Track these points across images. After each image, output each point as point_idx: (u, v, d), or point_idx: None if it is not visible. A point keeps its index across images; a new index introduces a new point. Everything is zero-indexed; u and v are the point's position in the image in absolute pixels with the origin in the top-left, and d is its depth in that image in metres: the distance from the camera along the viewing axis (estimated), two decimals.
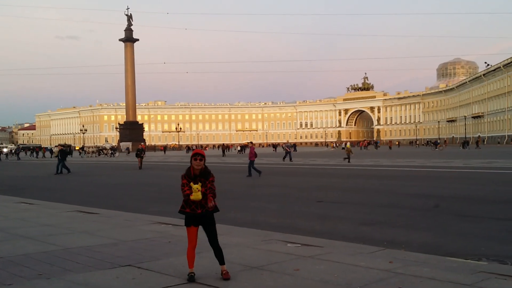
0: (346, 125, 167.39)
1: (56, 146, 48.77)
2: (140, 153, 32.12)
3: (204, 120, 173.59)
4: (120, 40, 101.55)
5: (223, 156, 57.52)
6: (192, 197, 4.66)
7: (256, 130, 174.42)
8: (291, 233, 7.42)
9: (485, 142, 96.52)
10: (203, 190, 4.69)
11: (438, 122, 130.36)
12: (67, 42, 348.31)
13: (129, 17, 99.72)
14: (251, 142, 26.14)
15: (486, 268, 5.11)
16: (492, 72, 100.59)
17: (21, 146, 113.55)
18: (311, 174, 24.30)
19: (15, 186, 19.72)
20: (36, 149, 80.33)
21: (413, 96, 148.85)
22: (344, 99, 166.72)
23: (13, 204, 12.14)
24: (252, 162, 21.69)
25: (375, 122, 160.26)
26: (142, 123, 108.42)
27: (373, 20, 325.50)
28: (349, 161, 32.65)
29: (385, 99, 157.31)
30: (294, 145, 60.16)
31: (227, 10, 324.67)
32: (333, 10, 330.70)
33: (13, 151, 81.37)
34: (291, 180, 20.18)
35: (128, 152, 77.20)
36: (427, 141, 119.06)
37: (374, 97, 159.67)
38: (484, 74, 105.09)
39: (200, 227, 4.87)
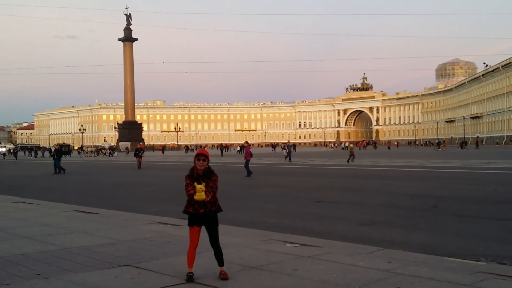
0: (345, 125, 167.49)
1: (54, 146, 48.76)
2: (138, 153, 32.12)
3: (203, 120, 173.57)
4: (119, 39, 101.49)
5: (221, 156, 57.54)
6: (195, 197, 4.67)
7: (255, 130, 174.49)
8: (290, 233, 7.42)
9: (483, 143, 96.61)
10: (206, 190, 4.70)
11: (437, 122, 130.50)
12: (66, 41, 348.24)
13: (128, 17, 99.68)
14: (247, 142, 26.23)
15: (484, 268, 5.11)
16: (491, 72, 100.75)
17: (19, 145, 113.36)
18: (310, 174, 24.30)
19: (13, 186, 19.69)
20: (35, 149, 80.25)
21: (412, 96, 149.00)
22: (343, 99, 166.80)
23: (12, 204, 12.13)
24: (248, 161, 21.79)
25: (374, 123, 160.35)
26: (141, 123, 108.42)
27: (372, 21, 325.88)
28: (353, 161, 33.04)
29: (384, 100, 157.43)
30: (293, 145, 60.04)
31: (226, 10, 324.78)
32: (332, 11, 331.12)
33: (11, 150, 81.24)
34: (290, 180, 20.18)
35: (128, 152, 77.16)
36: (426, 142, 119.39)
37: (373, 97, 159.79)
38: (483, 75, 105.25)
39: (203, 228, 4.87)
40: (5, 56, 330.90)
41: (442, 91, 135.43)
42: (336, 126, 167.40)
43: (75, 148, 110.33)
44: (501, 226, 8.38)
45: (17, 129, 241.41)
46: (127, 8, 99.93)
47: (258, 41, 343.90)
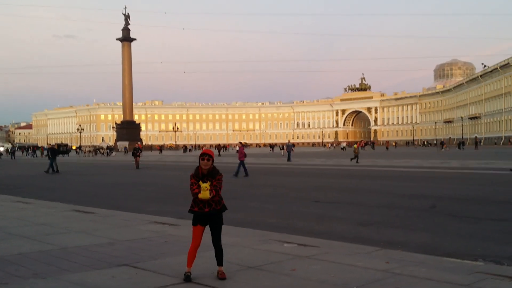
0: (343, 125, 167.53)
1: (48, 145, 48.63)
2: (136, 153, 32.11)
3: (201, 120, 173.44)
4: (118, 39, 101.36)
5: (218, 155, 57.54)
6: (200, 196, 4.68)
7: (253, 130, 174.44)
8: (289, 233, 7.42)
9: (481, 143, 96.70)
10: (210, 189, 4.71)
11: (435, 123, 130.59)
12: (65, 41, 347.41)
13: (127, 17, 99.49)
14: (241, 142, 26.41)
15: (482, 269, 5.12)
16: (489, 73, 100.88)
17: (17, 145, 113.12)
18: (308, 174, 24.31)
19: (11, 185, 19.65)
20: (34, 148, 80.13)
21: (410, 97, 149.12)
22: (342, 100, 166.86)
23: (10, 203, 12.11)
24: (242, 162, 21.90)
25: (372, 123, 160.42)
26: (139, 123, 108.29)
27: (370, 21, 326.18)
28: (357, 161, 31.89)
29: (382, 100, 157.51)
30: (292, 145, 59.96)
31: (225, 10, 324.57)
32: (331, 11, 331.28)
33: (9, 150, 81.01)
34: (289, 180, 20.19)
35: (126, 152, 77.10)
36: (424, 142, 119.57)
37: (371, 97, 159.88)
38: (481, 75, 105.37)
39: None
40: (3, 55, 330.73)
41: (440, 91, 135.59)
42: (335, 126, 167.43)
43: (73, 147, 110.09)
44: (499, 227, 8.39)
45: (15, 128, 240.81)
46: (125, 8, 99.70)
47: (256, 41, 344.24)
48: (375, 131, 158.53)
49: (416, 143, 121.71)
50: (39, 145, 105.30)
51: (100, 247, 6.44)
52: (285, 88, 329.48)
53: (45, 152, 53.94)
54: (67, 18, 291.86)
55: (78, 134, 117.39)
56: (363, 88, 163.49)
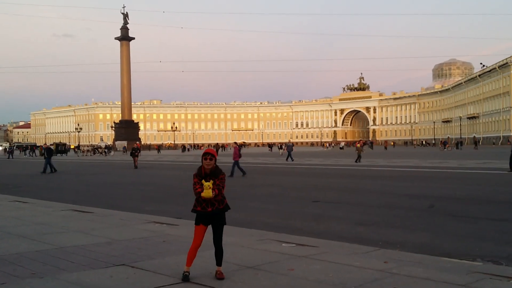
0: (342, 125, 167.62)
1: (51, 145, 48.64)
2: (135, 152, 32.08)
3: (200, 120, 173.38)
4: (116, 38, 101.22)
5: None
6: (203, 194, 4.67)
7: (252, 130, 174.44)
8: (288, 233, 7.42)
9: (480, 143, 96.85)
10: (213, 188, 4.70)
11: (434, 122, 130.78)
12: (63, 40, 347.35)
13: (125, 16, 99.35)
14: (235, 143, 26.49)
15: (480, 269, 5.12)
16: (487, 73, 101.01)
17: (15, 144, 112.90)
18: (308, 174, 24.32)
19: (9, 185, 19.62)
20: (33, 148, 79.99)
21: (409, 96, 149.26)
22: (340, 99, 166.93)
23: (7, 203, 12.08)
24: (237, 162, 21.94)
25: (371, 122, 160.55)
26: (138, 122, 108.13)
27: (369, 21, 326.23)
28: (360, 161, 31.97)
29: (380, 99, 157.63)
30: (292, 145, 60.06)
31: (223, 9, 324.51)
32: (329, 10, 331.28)
33: (7, 149, 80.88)
34: (288, 180, 20.20)
35: (125, 151, 77.01)
36: (422, 142, 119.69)
37: (370, 97, 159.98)
38: (479, 75, 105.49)
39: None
40: (2, 54, 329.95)
41: (439, 91, 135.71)
42: (333, 126, 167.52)
43: (71, 147, 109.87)
44: (497, 227, 8.40)
45: (14, 128, 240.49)
46: (124, 7, 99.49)
47: (255, 40, 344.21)
48: (374, 131, 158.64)
49: (414, 142, 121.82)
50: (38, 145, 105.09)
51: (98, 247, 6.43)
52: (284, 87, 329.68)
53: (43, 151, 53.81)
54: (66, 17, 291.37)
55: (77, 133, 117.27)
56: (362, 87, 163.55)
